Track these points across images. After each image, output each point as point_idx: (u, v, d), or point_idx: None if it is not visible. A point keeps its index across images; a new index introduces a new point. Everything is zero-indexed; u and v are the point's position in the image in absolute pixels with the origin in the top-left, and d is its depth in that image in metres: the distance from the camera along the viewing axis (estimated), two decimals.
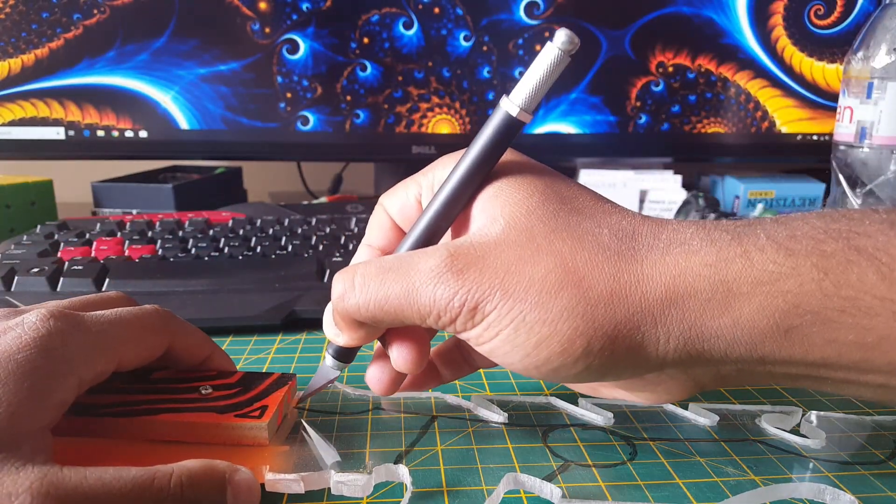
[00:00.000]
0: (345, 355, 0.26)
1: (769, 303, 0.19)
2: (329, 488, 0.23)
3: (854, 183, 0.46)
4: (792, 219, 0.21)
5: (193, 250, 0.46)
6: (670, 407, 0.29)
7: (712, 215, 0.61)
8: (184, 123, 0.62)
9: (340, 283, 0.23)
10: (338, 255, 0.45)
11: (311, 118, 0.63)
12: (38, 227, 0.51)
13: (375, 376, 0.26)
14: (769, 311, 0.19)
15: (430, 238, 0.24)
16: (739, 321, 0.20)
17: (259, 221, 0.53)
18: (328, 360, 0.26)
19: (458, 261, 0.21)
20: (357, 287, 0.23)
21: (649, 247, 0.21)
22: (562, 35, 0.21)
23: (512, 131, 0.22)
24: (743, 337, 0.20)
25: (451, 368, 0.29)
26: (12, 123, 0.60)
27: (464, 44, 0.63)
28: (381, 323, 0.23)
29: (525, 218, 0.22)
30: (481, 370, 0.33)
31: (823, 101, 0.67)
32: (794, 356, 0.20)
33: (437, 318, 0.22)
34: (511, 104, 0.22)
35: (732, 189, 0.69)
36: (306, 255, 0.45)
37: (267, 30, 0.61)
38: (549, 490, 0.22)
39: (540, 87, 0.22)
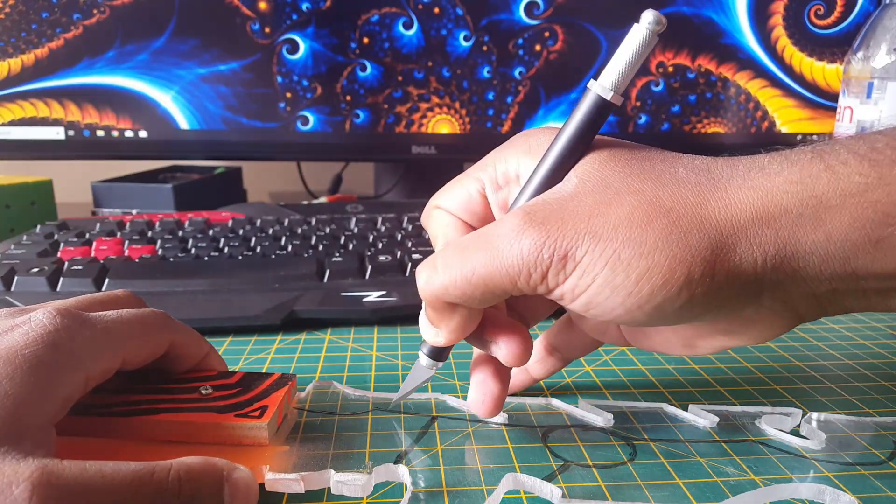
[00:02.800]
0: (438, 353, 0.26)
1: (860, 214, 0.19)
2: (329, 488, 0.23)
3: None
4: (868, 134, 0.21)
5: (193, 250, 0.46)
6: (671, 408, 0.29)
7: None
8: (183, 123, 0.62)
9: (423, 271, 0.23)
10: (337, 255, 0.45)
11: (311, 118, 0.63)
12: (38, 227, 0.51)
13: (478, 399, 0.26)
14: (860, 223, 0.19)
15: None
16: (832, 235, 0.20)
17: (259, 221, 0.53)
18: (422, 359, 0.26)
19: (535, 216, 0.21)
20: (440, 268, 0.22)
21: (728, 175, 0.21)
22: (649, 15, 0.21)
23: (604, 115, 0.22)
24: (836, 251, 0.20)
25: (541, 365, 0.29)
26: (12, 123, 0.60)
27: (464, 44, 0.63)
28: (473, 298, 0.22)
29: (598, 171, 0.22)
30: None
31: (823, 101, 0.67)
32: (886, 268, 0.20)
33: (529, 276, 0.21)
34: (603, 88, 0.21)
35: None
36: (306, 255, 0.45)
37: (267, 30, 0.61)
38: (549, 490, 0.22)
39: (630, 69, 0.21)
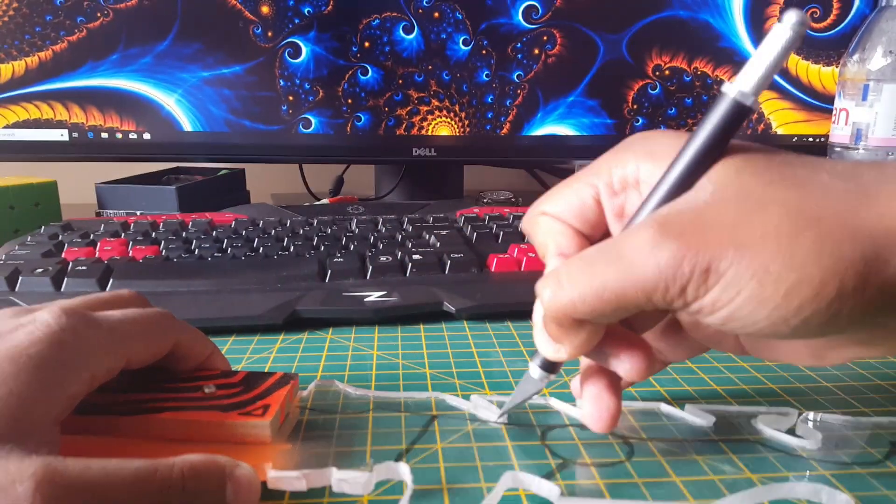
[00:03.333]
0: (553, 366, 0.25)
1: None
2: (330, 486, 0.23)
3: None
4: None
5: (197, 251, 0.46)
6: (668, 407, 0.29)
7: None
8: (187, 126, 0.63)
9: (547, 287, 0.22)
10: (339, 255, 0.45)
11: (313, 121, 0.64)
12: (43, 227, 0.52)
13: (595, 414, 0.25)
14: None
15: None
16: None
17: (261, 222, 0.53)
18: (534, 371, 0.26)
19: (671, 227, 0.20)
20: (566, 284, 0.21)
21: (878, 182, 0.20)
22: (793, 15, 0.20)
23: (741, 120, 0.21)
24: None
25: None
26: (16, 125, 0.61)
27: (463, 48, 0.63)
28: (602, 315, 0.21)
29: (734, 178, 0.21)
30: (481, 370, 0.33)
31: (819, 103, 0.68)
32: None
33: (666, 291, 0.20)
34: (743, 93, 0.21)
35: None
36: (308, 256, 0.45)
37: (269, 34, 0.61)
38: (548, 488, 0.23)
39: (770, 72, 0.20)
